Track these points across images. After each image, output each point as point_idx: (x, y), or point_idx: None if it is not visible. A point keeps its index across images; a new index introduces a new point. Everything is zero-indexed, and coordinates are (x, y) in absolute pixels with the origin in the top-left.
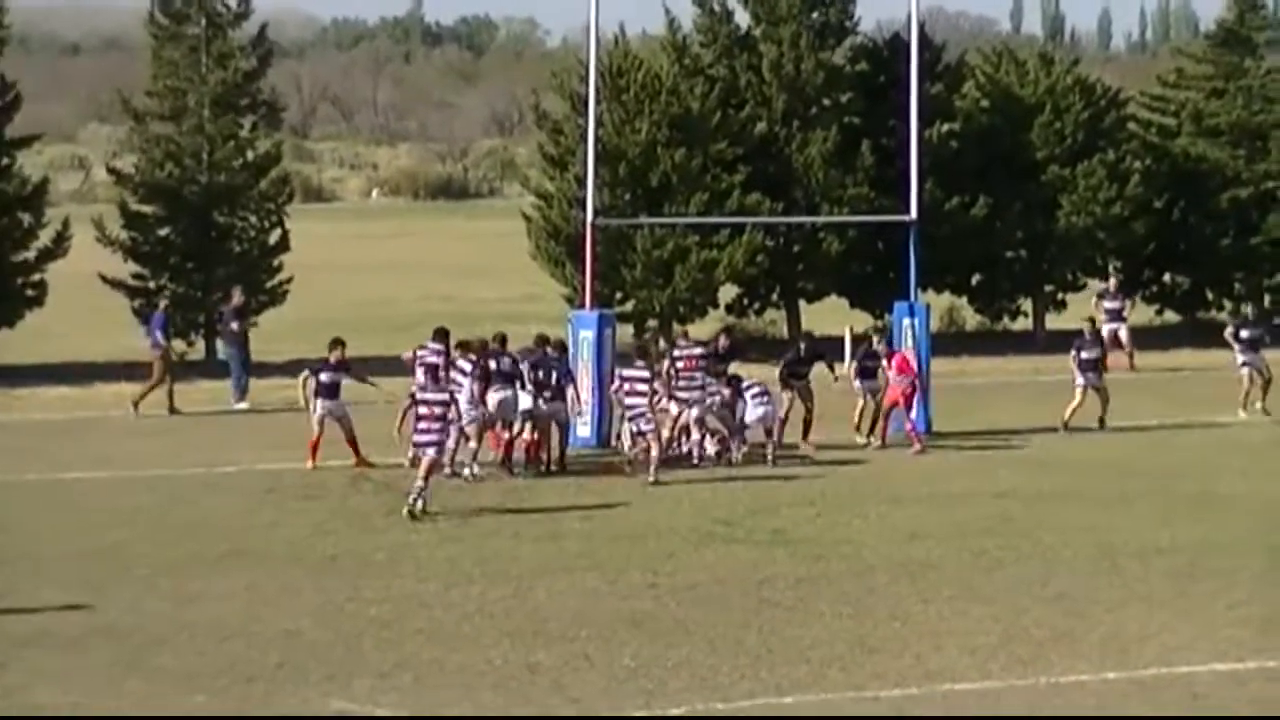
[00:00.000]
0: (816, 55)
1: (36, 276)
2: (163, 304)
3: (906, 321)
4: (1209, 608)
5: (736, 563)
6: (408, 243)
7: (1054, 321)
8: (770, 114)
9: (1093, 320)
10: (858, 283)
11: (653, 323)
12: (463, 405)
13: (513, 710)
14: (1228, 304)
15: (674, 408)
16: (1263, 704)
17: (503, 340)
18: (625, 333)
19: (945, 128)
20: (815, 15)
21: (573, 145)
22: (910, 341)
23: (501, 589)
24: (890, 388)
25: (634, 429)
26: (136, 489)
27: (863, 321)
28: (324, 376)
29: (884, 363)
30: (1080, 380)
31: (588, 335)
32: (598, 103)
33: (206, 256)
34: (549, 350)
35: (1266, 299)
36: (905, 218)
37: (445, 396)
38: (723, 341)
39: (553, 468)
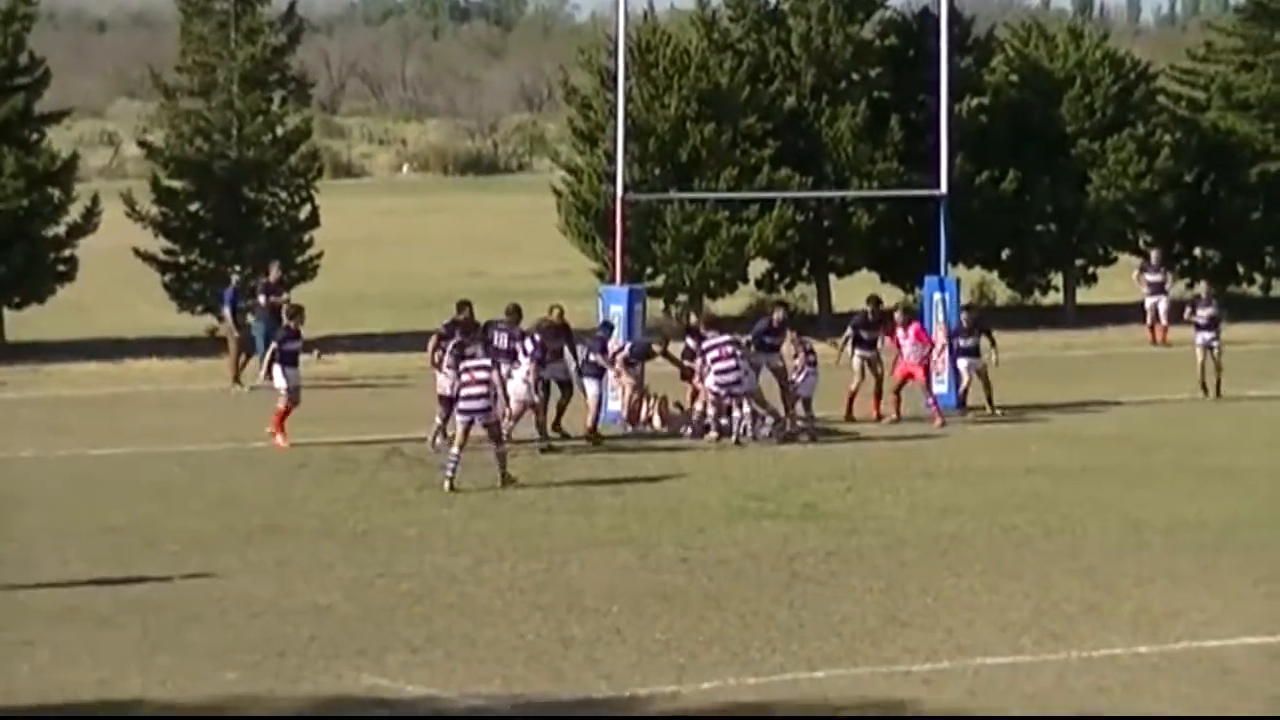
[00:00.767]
0: (845, 29)
1: (67, 252)
2: (235, 279)
3: (937, 296)
4: (1237, 582)
5: (768, 537)
6: (437, 218)
7: (1084, 296)
8: (799, 88)
9: (1207, 282)
10: (888, 257)
11: (682, 298)
12: (519, 385)
13: (544, 686)
14: (1259, 278)
15: (712, 387)
16: None
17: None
18: (655, 307)
19: (975, 102)
20: None
21: (602, 120)
22: (941, 316)
23: (533, 564)
24: (904, 360)
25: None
26: (167, 464)
27: (893, 296)
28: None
29: (898, 333)
30: (1199, 340)
31: (618, 310)
32: (627, 78)
33: (237, 232)
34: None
35: None
36: (935, 192)
37: (488, 362)
38: (778, 316)
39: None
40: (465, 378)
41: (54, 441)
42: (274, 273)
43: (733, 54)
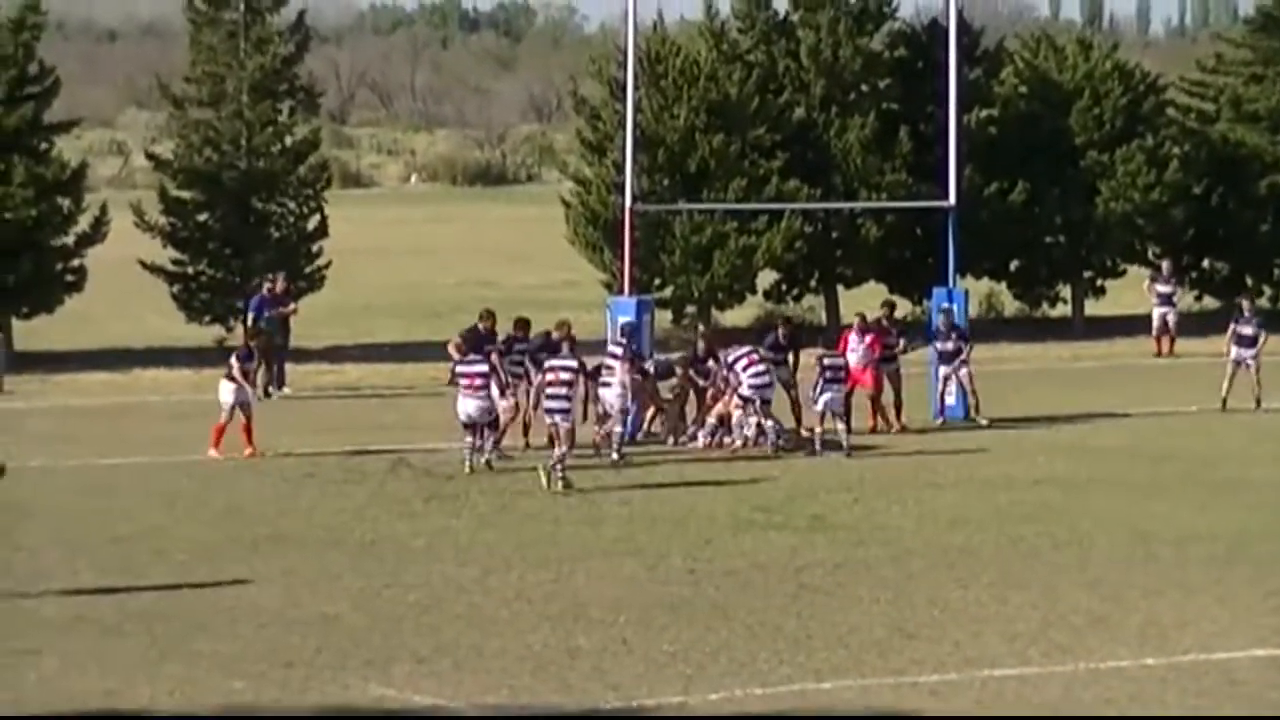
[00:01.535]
0: (855, 41)
1: (75, 262)
2: (266, 287)
3: (945, 307)
4: (1247, 594)
5: (775, 549)
6: (446, 228)
7: (1093, 308)
8: (808, 100)
9: (1249, 295)
10: (896, 268)
11: (691, 309)
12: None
13: (551, 696)
14: (1267, 290)
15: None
16: None
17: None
18: (663, 318)
19: (984, 113)
20: (853, 1)
21: (611, 131)
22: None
23: (541, 574)
24: (855, 367)
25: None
26: (175, 474)
27: (901, 308)
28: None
29: (851, 338)
30: (1232, 355)
31: (626, 321)
32: (636, 89)
33: (245, 242)
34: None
35: None
36: (944, 203)
37: (574, 364)
38: (783, 332)
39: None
40: (550, 377)
41: (62, 451)
42: (280, 283)
43: (742, 65)
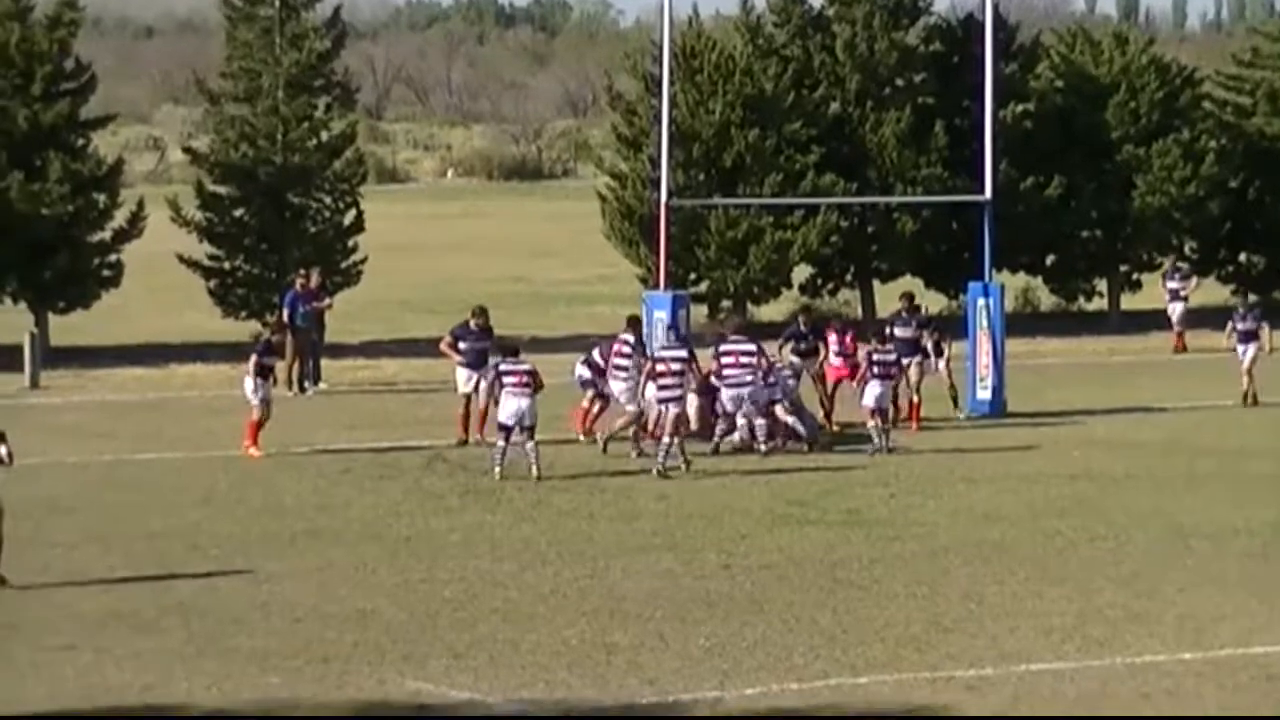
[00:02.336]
0: (890, 35)
1: (112, 257)
2: (299, 282)
3: (981, 302)
4: None
5: (810, 543)
6: (482, 223)
7: (1129, 302)
8: (844, 94)
9: (1246, 293)
10: (932, 263)
11: (726, 303)
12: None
13: (587, 691)
14: None
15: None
16: None
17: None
18: (699, 313)
19: (1019, 108)
20: None
21: (646, 126)
22: (985, 322)
23: (576, 569)
24: (830, 366)
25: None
26: (211, 469)
27: (937, 302)
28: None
29: (831, 337)
30: (1240, 351)
31: (662, 316)
32: (671, 83)
33: (281, 237)
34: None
35: None
36: (980, 198)
37: (684, 354)
38: (803, 320)
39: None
40: (660, 367)
41: (97, 446)
42: (314, 278)
43: (777, 60)
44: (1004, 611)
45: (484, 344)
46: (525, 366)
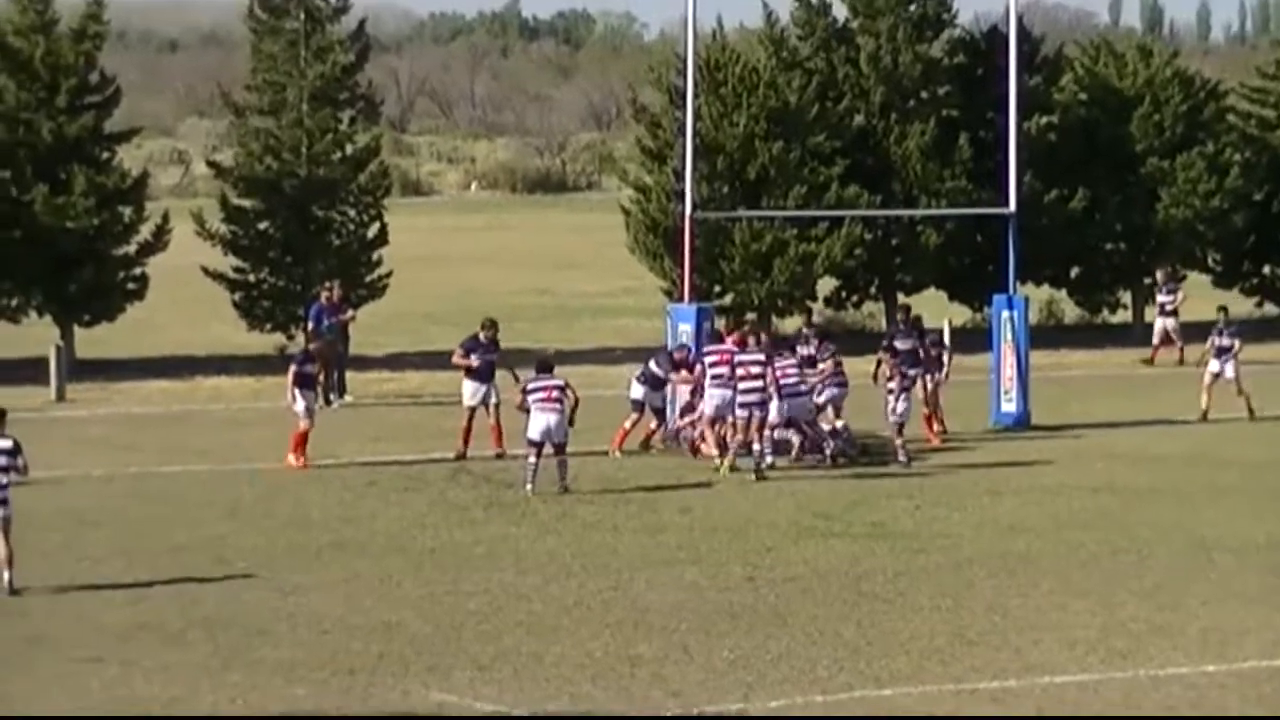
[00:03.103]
0: (914, 48)
1: (137, 270)
2: (324, 295)
3: (1005, 314)
4: None
5: (835, 556)
6: (506, 236)
7: (1153, 314)
8: (868, 107)
9: (1226, 309)
10: (956, 275)
11: (750, 316)
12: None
13: (611, 703)
14: None
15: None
16: None
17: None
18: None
19: (1044, 120)
20: (913, 8)
21: (671, 138)
22: (1009, 334)
23: (601, 582)
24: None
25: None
26: (236, 482)
27: (961, 315)
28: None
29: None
30: (1212, 367)
31: (686, 328)
32: (695, 96)
33: (305, 250)
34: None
35: None
36: (1004, 210)
37: (764, 357)
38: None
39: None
40: (740, 372)
41: (123, 459)
42: (337, 291)
43: (801, 72)
44: (1028, 624)
45: (492, 356)
46: (556, 381)
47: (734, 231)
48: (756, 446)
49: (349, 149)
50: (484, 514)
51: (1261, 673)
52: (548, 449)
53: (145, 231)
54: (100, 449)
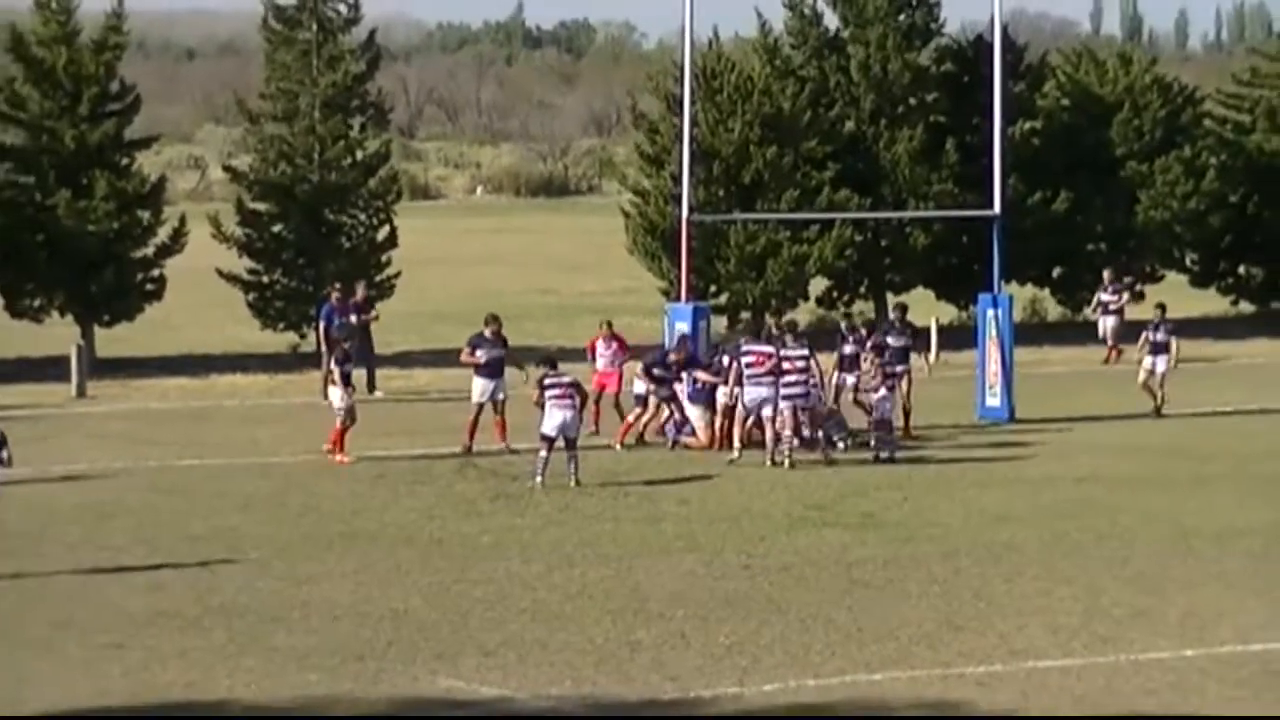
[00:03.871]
0: (903, 56)
1: (155, 272)
2: (334, 296)
3: (991, 312)
4: None
5: (828, 545)
6: (511, 238)
7: (1133, 312)
8: (859, 113)
9: (1163, 306)
10: (943, 275)
11: (745, 315)
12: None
13: (612, 687)
14: None
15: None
16: None
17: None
18: (719, 324)
19: (1028, 125)
20: (902, 17)
21: (669, 144)
22: (995, 332)
23: (603, 570)
24: (598, 372)
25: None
26: (251, 475)
27: (948, 313)
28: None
29: (599, 345)
30: (1146, 363)
31: (683, 326)
32: (692, 103)
33: (317, 252)
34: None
35: None
36: (989, 213)
37: (806, 352)
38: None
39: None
40: (786, 365)
41: (142, 453)
42: (360, 291)
43: (794, 80)
44: (1013, 610)
45: (498, 351)
46: (569, 379)
47: (729, 233)
48: (786, 433)
49: (359, 155)
50: (490, 506)
51: (1239, 657)
52: (559, 444)
53: (163, 234)
54: (120, 444)
